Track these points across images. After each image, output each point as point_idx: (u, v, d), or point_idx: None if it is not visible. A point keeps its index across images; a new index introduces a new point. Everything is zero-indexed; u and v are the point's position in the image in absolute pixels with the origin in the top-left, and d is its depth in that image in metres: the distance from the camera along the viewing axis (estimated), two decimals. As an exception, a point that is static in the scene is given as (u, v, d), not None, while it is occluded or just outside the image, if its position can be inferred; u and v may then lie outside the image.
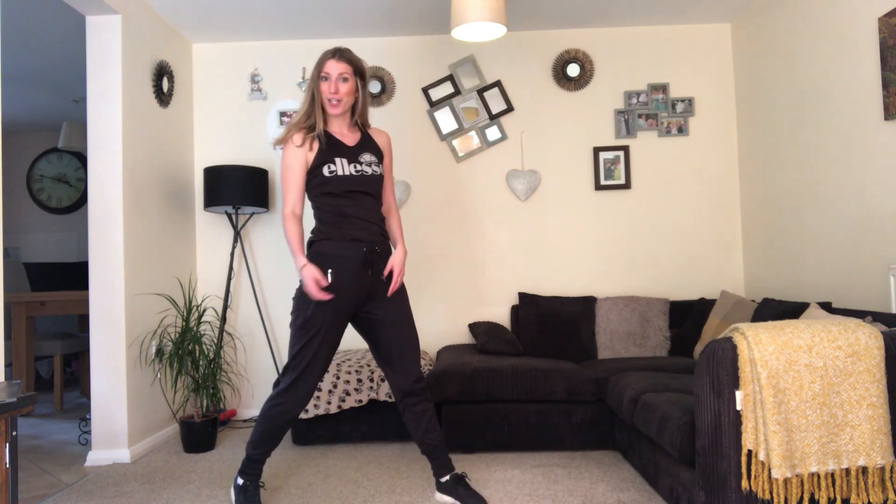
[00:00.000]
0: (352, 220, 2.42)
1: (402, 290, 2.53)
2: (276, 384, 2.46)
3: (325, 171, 2.40)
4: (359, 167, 2.44)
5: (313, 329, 2.36)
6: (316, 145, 2.42)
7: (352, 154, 2.45)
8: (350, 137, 2.50)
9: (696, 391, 2.08)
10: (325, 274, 2.36)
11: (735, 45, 4.19)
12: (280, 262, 4.23)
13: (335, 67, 2.41)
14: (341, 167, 2.41)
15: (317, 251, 2.42)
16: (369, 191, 2.46)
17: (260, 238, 4.27)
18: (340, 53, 2.43)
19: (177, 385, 3.49)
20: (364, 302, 2.46)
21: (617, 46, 4.25)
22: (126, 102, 3.41)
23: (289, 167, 2.42)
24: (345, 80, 2.42)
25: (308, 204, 2.50)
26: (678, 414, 2.26)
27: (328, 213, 2.44)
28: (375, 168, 2.48)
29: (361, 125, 2.56)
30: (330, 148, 2.43)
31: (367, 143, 2.52)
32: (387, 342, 2.48)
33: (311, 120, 2.45)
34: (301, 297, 2.40)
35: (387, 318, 2.47)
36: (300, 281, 2.42)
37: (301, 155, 2.42)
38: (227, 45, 4.31)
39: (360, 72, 2.47)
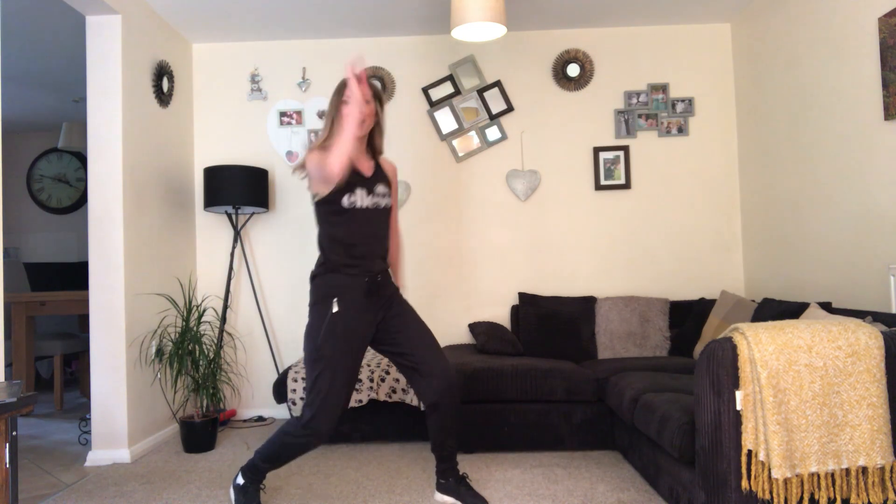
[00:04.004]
0: (356, 250, 2.41)
1: (406, 304, 2.55)
2: (298, 417, 2.39)
3: (345, 201, 2.38)
4: (374, 199, 2.44)
5: (324, 359, 2.33)
6: None
7: (368, 185, 2.45)
8: (366, 166, 2.49)
9: (696, 391, 2.08)
10: (331, 304, 2.36)
11: (735, 45, 4.19)
12: (280, 262, 4.23)
13: None
14: (360, 198, 2.40)
15: (321, 283, 2.42)
16: (378, 223, 2.47)
17: (260, 238, 4.27)
18: None
19: (177, 385, 3.49)
20: (376, 327, 2.46)
21: (617, 46, 4.25)
22: (126, 102, 3.42)
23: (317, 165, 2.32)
24: (367, 102, 2.41)
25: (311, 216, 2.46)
26: (678, 414, 2.27)
27: (334, 242, 2.41)
28: (387, 200, 2.50)
29: (374, 153, 2.55)
30: (351, 176, 2.40)
31: (380, 174, 2.52)
32: (406, 350, 2.47)
33: None
34: (310, 329, 2.38)
35: (400, 328, 2.47)
36: (309, 316, 2.41)
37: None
38: (227, 45, 4.31)
39: (378, 97, 2.49)
